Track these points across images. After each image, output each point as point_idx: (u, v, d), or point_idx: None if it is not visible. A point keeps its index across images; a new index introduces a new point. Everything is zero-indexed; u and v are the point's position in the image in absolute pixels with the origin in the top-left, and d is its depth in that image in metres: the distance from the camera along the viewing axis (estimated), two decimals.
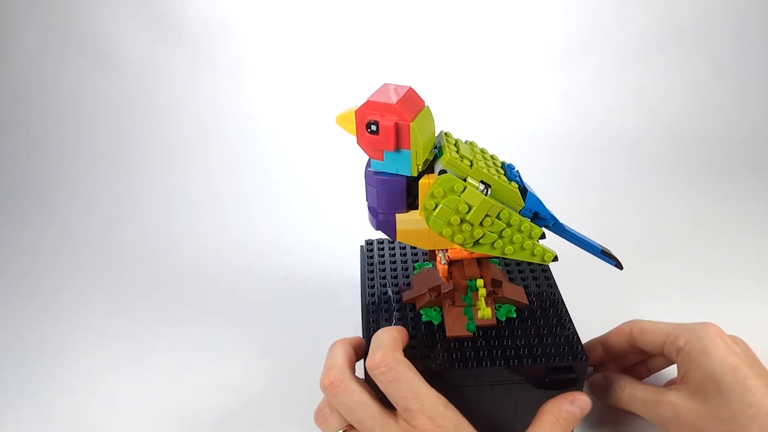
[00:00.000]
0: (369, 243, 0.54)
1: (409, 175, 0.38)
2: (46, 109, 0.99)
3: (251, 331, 0.59)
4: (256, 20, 1.02)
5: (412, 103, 0.37)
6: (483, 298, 0.41)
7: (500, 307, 0.45)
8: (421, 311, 0.45)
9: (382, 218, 0.40)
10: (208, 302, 0.64)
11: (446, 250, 0.42)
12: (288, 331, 0.59)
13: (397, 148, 0.37)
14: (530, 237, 0.39)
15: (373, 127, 0.36)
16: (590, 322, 0.49)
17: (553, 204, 0.53)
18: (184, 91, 1.01)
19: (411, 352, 0.41)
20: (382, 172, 0.39)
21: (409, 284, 0.48)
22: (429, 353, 0.42)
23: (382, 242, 0.54)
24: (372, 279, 0.50)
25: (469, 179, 0.37)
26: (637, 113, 1.01)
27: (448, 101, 1.05)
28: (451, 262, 0.42)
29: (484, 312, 0.39)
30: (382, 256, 0.52)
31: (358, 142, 0.38)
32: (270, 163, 0.93)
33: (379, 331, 0.40)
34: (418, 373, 0.37)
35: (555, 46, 1.05)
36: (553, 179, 0.86)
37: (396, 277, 0.49)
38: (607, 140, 0.97)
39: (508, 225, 0.39)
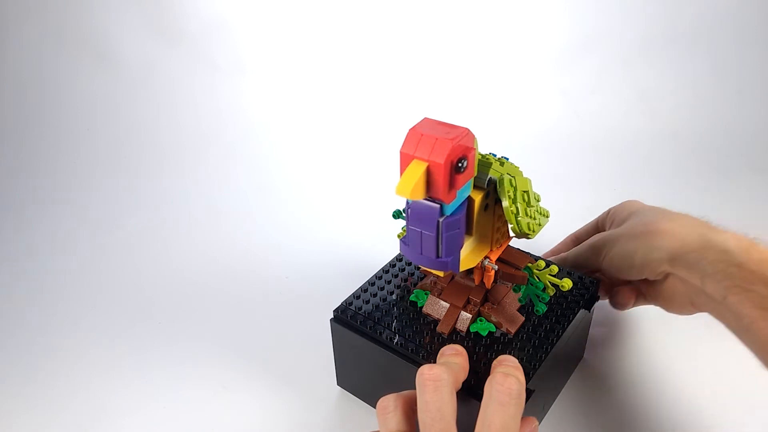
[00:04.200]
0: (342, 310, 0.47)
1: (468, 195, 0.36)
2: (45, 109, 0.98)
3: (251, 331, 0.60)
4: (255, 20, 1.02)
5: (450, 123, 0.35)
6: (549, 275, 0.42)
7: (482, 321, 0.44)
8: (470, 328, 0.44)
9: (450, 258, 0.37)
10: (208, 302, 0.64)
11: (486, 256, 0.41)
12: (288, 331, 0.59)
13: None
14: (539, 201, 0.42)
15: (465, 163, 0.33)
16: (606, 337, 0.57)
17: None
18: (183, 90, 1.01)
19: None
20: (455, 212, 0.35)
21: (419, 321, 0.45)
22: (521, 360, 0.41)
23: (350, 303, 0.48)
24: (384, 332, 0.45)
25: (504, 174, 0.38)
26: (637, 113, 1.00)
27: (448, 102, 1.01)
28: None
29: (566, 283, 0.41)
30: (369, 312, 0.47)
31: (443, 195, 0.33)
32: (269, 164, 0.93)
33: (455, 355, 0.39)
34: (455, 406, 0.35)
35: (555, 46, 1.03)
36: (553, 179, 0.85)
37: (397, 318, 0.46)
38: (607, 140, 0.96)
39: (536, 199, 0.41)
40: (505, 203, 0.36)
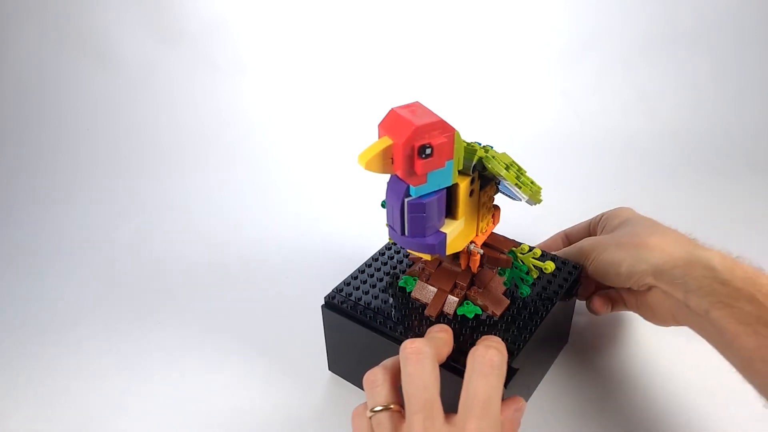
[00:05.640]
0: (332, 297, 0.49)
1: (451, 183, 0.38)
2: (46, 109, 0.98)
3: (251, 330, 0.60)
4: (255, 20, 1.02)
5: (435, 114, 0.36)
6: (532, 258, 0.44)
7: (469, 304, 0.46)
8: (457, 311, 0.45)
9: (436, 241, 0.38)
10: (208, 302, 0.65)
11: (472, 241, 0.43)
12: (283, 319, 0.60)
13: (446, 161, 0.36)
14: None
15: (428, 151, 0.34)
16: (590, 324, 0.58)
17: (553, 203, 0.56)
18: (183, 90, 1.02)
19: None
20: (425, 195, 0.37)
21: (408, 305, 0.47)
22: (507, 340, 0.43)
23: (341, 289, 0.49)
24: (374, 316, 0.46)
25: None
26: (637, 113, 1.01)
27: (449, 102, 1.01)
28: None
29: (548, 265, 0.43)
30: (359, 298, 0.48)
31: (403, 176, 0.35)
32: (268, 163, 0.93)
33: (440, 331, 0.40)
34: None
35: (556, 46, 1.03)
36: (553, 179, 0.82)
37: (386, 303, 0.47)
38: (607, 140, 0.97)
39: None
40: (503, 172, 0.37)
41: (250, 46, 1.05)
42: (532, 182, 0.39)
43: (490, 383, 0.35)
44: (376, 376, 0.37)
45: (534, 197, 0.39)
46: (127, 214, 0.82)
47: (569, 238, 0.60)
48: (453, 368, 0.41)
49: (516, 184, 0.38)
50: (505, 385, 0.40)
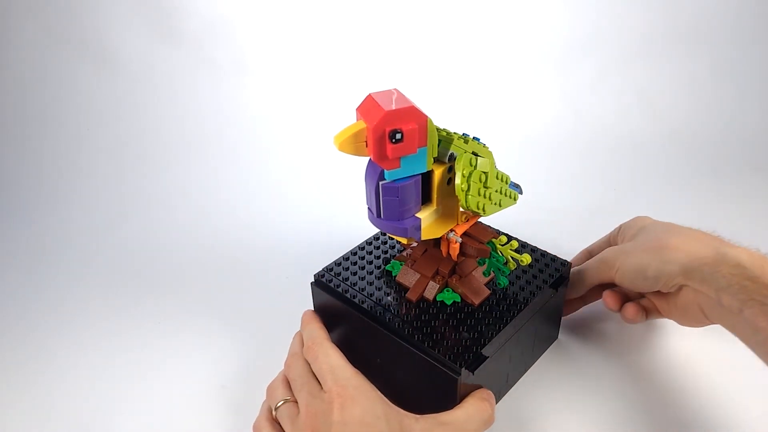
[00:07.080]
0: (321, 275, 0.51)
1: (425, 170, 0.39)
2: (47, 109, 0.98)
3: (251, 330, 0.61)
4: (256, 19, 1.02)
5: (410, 101, 0.37)
6: (510, 250, 0.44)
7: (449, 291, 0.47)
8: (438, 297, 0.47)
9: (411, 224, 0.40)
10: (208, 301, 0.66)
11: (452, 229, 0.44)
12: (289, 329, 0.58)
13: (419, 148, 0.37)
14: (506, 183, 0.44)
15: (398, 136, 0.35)
16: (582, 321, 0.58)
17: (553, 203, 0.55)
18: (184, 90, 1.01)
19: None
20: (399, 179, 0.38)
21: (393, 288, 0.48)
22: (478, 327, 0.44)
23: (330, 269, 0.51)
24: (357, 296, 0.48)
25: (467, 152, 0.40)
26: (637, 113, 1.01)
27: (449, 103, 1.03)
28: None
29: (524, 258, 0.43)
30: (346, 278, 0.50)
31: (375, 159, 0.36)
32: (270, 162, 0.94)
33: (307, 326, 0.48)
34: (340, 354, 0.43)
35: (556, 47, 1.04)
36: (553, 179, 0.87)
37: (371, 284, 0.49)
38: (607, 140, 0.97)
39: (501, 179, 0.43)
40: (457, 180, 0.38)
41: (251, 45, 1.05)
42: (489, 198, 0.40)
43: (319, 356, 0.43)
44: (272, 383, 0.45)
45: (472, 208, 0.39)
46: (127, 214, 0.84)
47: (591, 253, 0.60)
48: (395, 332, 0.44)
49: (459, 196, 0.39)
50: (473, 371, 0.42)
